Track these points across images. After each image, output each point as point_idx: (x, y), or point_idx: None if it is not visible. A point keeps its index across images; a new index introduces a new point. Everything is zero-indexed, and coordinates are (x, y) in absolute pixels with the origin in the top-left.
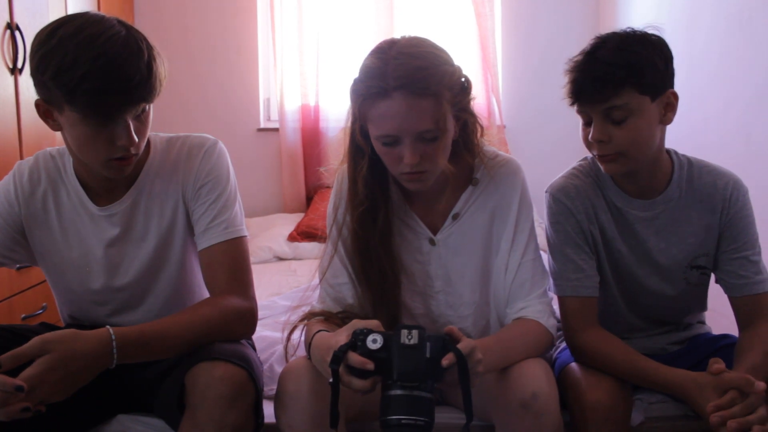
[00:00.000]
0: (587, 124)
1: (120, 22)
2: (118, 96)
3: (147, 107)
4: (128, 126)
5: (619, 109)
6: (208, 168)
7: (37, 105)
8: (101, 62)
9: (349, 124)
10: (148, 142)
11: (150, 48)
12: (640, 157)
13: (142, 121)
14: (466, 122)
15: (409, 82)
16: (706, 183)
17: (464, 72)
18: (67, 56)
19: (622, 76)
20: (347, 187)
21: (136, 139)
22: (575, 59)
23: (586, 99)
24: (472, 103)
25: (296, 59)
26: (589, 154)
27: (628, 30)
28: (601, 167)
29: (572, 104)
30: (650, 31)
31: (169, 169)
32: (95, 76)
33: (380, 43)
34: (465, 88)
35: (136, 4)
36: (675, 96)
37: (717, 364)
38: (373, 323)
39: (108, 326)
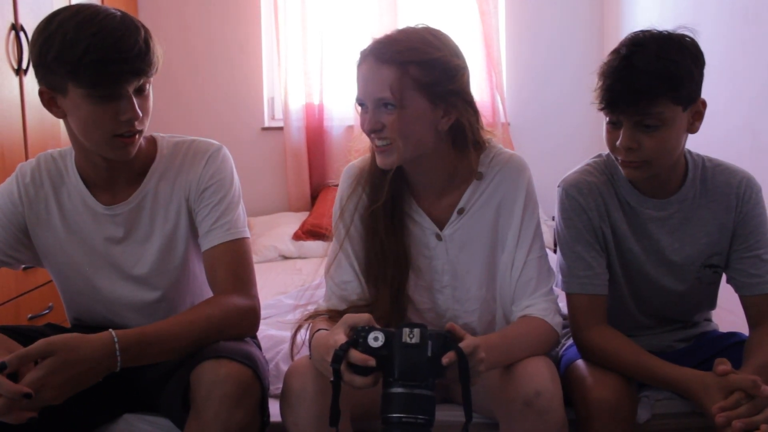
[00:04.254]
0: (614, 126)
1: (115, 9)
2: (119, 65)
3: (147, 85)
4: (131, 99)
5: (652, 117)
6: (212, 171)
7: (41, 93)
8: (101, 36)
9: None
10: (156, 143)
11: (146, 29)
12: (663, 164)
13: (144, 98)
14: (462, 113)
15: (377, 47)
16: (719, 182)
17: (457, 62)
18: (67, 35)
19: (662, 89)
20: (367, 172)
21: (140, 114)
22: (610, 63)
23: (621, 108)
24: (468, 95)
25: (300, 58)
26: (599, 151)
27: (663, 32)
28: (623, 172)
29: (602, 109)
30: (683, 32)
31: (174, 172)
32: (96, 48)
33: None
34: (450, 74)
35: (139, 3)
36: (704, 104)
37: (722, 365)
38: (365, 317)
39: (111, 329)
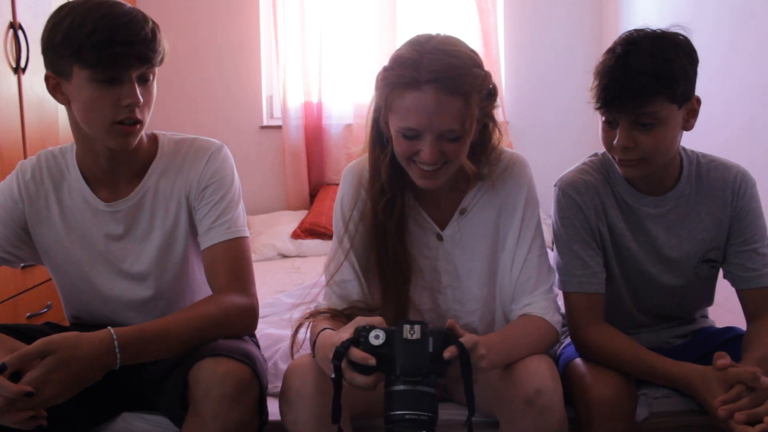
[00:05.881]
0: (610, 125)
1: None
2: (123, 47)
3: (151, 76)
4: (134, 85)
5: (648, 116)
6: (213, 170)
7: (47, 78)
8: (108, 19)
9: (371, 112)
10: (157, 141)
11: (155, 22)
12: (660, 162)
13: (147, 88)
14: (486, 126)
15: (443, 77)
16: (715, 178)
17: (492, 79)
18: (75, 19)
19: (657, 88)
20: (369, 176)
21: (141, 99)
22: (605, 62)
23: (617, 108)
24: (495, 110)
25: (299, 56)
26: (598, 150)
27: (657, 31)
28: (620, 170)
29: (599, 109)
30: (676, 30)
31: (175, 169)
32: (102, 29)
33: (416, 36)
34: (492, 94)
35: (138, 2)
36: (699, 102)
37: (722, 359)
38: (377, 320)
39: (109, 327)
